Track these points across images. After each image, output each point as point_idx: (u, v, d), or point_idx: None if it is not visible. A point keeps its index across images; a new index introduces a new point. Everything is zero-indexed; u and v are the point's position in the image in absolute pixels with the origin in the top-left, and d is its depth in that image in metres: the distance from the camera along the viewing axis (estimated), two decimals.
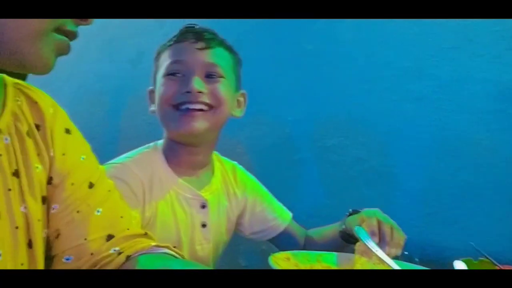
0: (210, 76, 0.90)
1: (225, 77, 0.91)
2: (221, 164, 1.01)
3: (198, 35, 0.92)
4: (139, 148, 0.95)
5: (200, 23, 1.53)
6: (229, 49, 0.95)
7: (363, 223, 0.85)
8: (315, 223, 1.07)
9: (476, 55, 1.14)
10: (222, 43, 0.94)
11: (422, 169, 1.20)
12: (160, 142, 0.95)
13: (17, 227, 0.55)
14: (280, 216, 1.03)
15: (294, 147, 1.34)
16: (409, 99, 1.21)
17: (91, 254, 0.61)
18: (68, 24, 0.52)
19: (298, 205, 1.34)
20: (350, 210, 0.96)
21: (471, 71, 1.15)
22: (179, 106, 0.87)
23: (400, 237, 0.84)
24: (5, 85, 0.59)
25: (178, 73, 0.89)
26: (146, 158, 0.91)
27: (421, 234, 1.16)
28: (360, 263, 0.79)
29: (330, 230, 0.99)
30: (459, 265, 0.85)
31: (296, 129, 1.35)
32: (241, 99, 0.98)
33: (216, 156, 1.01)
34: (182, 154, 0.92)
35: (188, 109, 0.86)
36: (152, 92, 0.96)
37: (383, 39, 1.25)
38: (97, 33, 1.68)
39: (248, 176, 1.05)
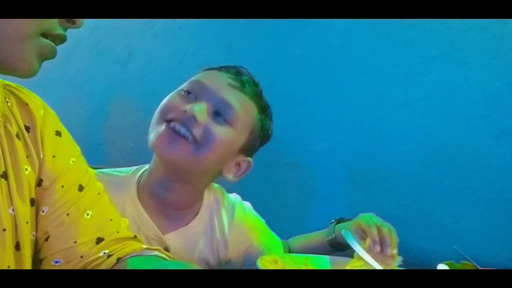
0: (217, 115, 0.80)
1: (233, 126, 0.80)
2: (216, 203, 0.90)
3: (240, 76, 0.83)
4: (125, 169, 0.89)
5: (192, 23, 1.54)
6: (261, 108, 0.85)
7: (364, 235, 0.83)
8: (303, 226, 1.08)
9: (462, 63, 1.17)
10: (257, 98, 0.85)
11: (408, 174, 1.22)
12: (146, 167, 0.87)
13: (4, 230, 0.55)
14: None
15: (282, 151, 1.35)
16: (396, 105, 1.23)
17: (81, 257, 0.61)
18: (56, 28, 0.52)
19: (286, 208, 1.35)
20: (337, 218, 0.96)
21: (457, 79, 1.17)
22: (169, 122, 0.79)
23: (396, 238, 0.83)
24: None
25: (191, 93, 0.81)
26: (119, 182, 0.84)
27: (406, 238, 1.17)
28: (352, 266, 0.80)
29: (313, 239, 0.96)
30: (442, 268, 0.87)
31: (284, 133, 1.35)
32: (244, 165, 0.86)
33: (212, 193, 0.90)
34: (155, 187, 0.83)
35: (173, 129, 0.78)
36: None
37: (371, 45, 1.26)
38: (86, 34, 1.67)
39: (248, 218, 0.92)
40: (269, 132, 0.89)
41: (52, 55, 0.54)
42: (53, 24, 0.52)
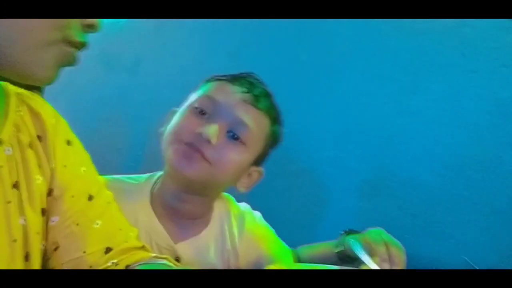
0: (232, 135, 0.80)
1: (246, 145, 0.81)
2: (227, 213, 0.90)
3: (253, 88, 0.82)
4: (137, 176, 0.89)
5: (198, 31, 1.54)
6: (273, 119, 0.85)
7: (372, 252, 0.80)
8: (311, 235, 1.07)
9: (471, 71, 1.16)
10: (271, 111, 0.84)
11: (417, 183, 1.21)
12: (158, 174, 0.88)
13: (14, 240, 0.55)
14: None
15: (291, 159, 1.35)
16: (405, 113, 1.22)
17: (90, 267, 0.61)
18: (77, 34, 0.52)
19: (294, 217, 1.34)
20: (346, 229, 0.94)
21: (466, 87, 1.16)
22: (185, 143, 0.79)
23: (405, 257, 0.81)
24: (7, 95, 0.59)
25: (205, 112, 0.81)
26: (132, 189, 0.84)
27: (414, 247, 1.16)
28: None
29: (322, 249, 0.95)
30: None
31: (292, 141, 1.35)
32: (255, 175, 0.87)
33: (223, 202, 0.91)
34: (169, 197, 0.83)
35: (190, 151, 0.78)
36: (172, 113, 0.87)
37: (380, 53, 1.26)
38: (94, 41, 1.68)
39: (258, 227, 0.92)
40: (279, 138, 0.90)
41: (72, 62, 0.54)
42: (75, 31, 0.52)
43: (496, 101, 1.13)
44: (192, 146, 0.78)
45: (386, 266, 0.77)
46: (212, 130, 0.77)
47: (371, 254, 0.81)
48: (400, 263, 0.79)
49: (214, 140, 0.77)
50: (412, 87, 1.22)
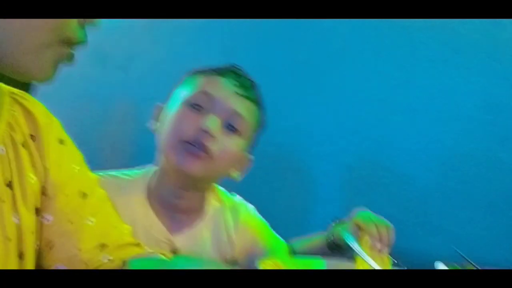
0: (229, 127, 0.83)
1: (242, 135, 0.84)
2: (221, 205, 0.92)
3: (241, 80, 0.85)
4: (130, 171, 0.89)
5: (192, 27, 1.54)
6: (261, 108, 0.88)
7: (362, 232, 0.84)
8: (305, 231, 1.07)
9: (464, 67, 1.17)
10: (258, 100, 0.87)
11: (410, 179, 1.21)
12: (152, 169, 0.89)
13: (8, 239, 0.55)
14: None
15: (285, 156, 1.35)
16: (398, 110, 1.23)
17: (85, 264, 0.62)
18: (74, 33, 0.52)
19: (288, 213, 1.34)
20: (337, 220, 0.96)
21: (458, 83, 1.17)
22: (190, 142, 0.80)
23: (393, 235, 0.85)
24: (0, 94, 0.58)
25: (201, 107, 0.82)
26: (127, 185, 0.85)
27: (409, 243, 1.17)
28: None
29: (314, 241, 0.96)
30: (441, 267, 0.86)
31: (286, 138, 1.35)
32: (246, 162, 0.90)
33: (217, 195, 0.93)
34: (166, 194, 0.85)
35: (194, 148, 0.80)
36: (160, 108, 0.88)
37: (373, 50, 1.27)
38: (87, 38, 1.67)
39: (252, 218, 0.95)
40: (264, 123, 0.91)
41: (71, 60, 0.55)
42: (72, 30, 0.52)
43: (487, 97, 1.14)
44: (195, 143, 0.80)
45: (378, 246, 0.81)
46: (213, 122, 0.80)
47: (359, 234, 0.84)
48: (388, 243, 0.83)
49: (215, 131, 0.80)
50: (404, 83, 1.23)
